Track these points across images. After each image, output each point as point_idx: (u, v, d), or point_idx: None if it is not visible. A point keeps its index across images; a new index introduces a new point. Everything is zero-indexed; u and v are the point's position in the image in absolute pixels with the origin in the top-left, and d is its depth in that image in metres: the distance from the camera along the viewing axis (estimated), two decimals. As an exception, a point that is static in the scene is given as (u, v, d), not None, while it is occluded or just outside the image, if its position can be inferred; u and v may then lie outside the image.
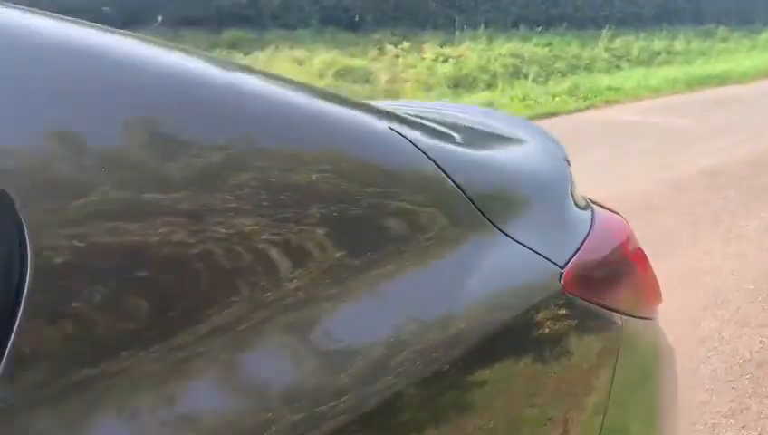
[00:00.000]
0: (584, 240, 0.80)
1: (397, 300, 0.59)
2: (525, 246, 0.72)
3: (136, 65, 0.51)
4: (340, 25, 9.07)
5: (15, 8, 0.57)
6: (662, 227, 3.50)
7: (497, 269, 0.68)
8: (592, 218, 0.87)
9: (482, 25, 10.02)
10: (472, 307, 0.64)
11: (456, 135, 0.82)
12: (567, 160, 0.97)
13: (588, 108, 7.87)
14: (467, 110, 1.18)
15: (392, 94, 8.00)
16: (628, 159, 5.05)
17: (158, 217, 0.47)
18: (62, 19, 0.59)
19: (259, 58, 7.74)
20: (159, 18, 7.64)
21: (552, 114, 7.45)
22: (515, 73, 9.16)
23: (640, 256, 0.92)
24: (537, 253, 0.73)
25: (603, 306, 0.79)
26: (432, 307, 0.62)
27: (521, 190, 0.80)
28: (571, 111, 7.65)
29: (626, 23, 12.24)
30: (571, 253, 0.77)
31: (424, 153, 0.66)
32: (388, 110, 0.90)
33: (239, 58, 7.57)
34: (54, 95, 0.46)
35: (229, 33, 7.93)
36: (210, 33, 7.80)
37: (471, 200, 0.68)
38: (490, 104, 7.66)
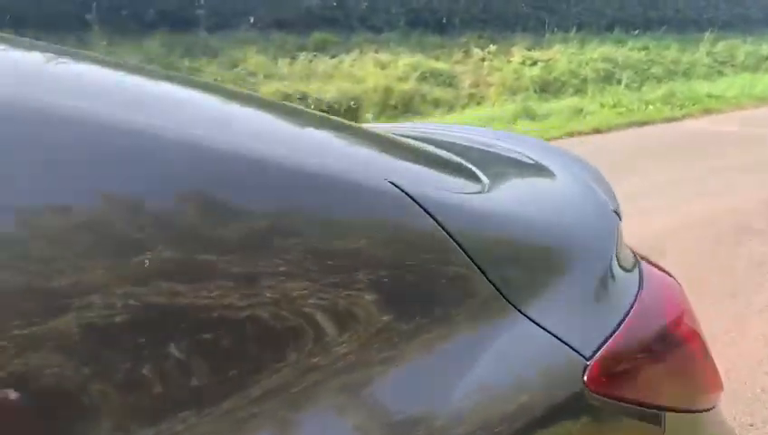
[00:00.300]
0: (624, 318, 0.67)
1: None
2: (543, 328, 0.61)
3: (188, 141, 0.52)
4: (428, 28, 9.00)
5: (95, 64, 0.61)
6: (760, 256, 3.23)
7: (509, 356, 0.58)
8: (639, 286, 0.73)
9: (574, 28, 9.69)
10: (477, 404, 0.56)
11: (483, 178, 0.73)
12: (617, 212, 0.82)
13: (684, 117, 7.44)
14: (502, 137, 1.04)
15: (475, 99, 7.87)
16: (724, 174, 4.71)
17: (210, 281, 0.47)
18: (140, 74, 0.62)
19: (344, 61, 7.80)
20: (251, 20, 7.85)
21: (645, 123, 7.10)
22: (607, 78, 8.81)
23: (696, 336, 0.76)
24: (557, 338, 0.61)
25: (641, 404, 0.65)
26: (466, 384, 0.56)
27: (550, 253, 0.68)
28: (665, 120, 7.26)
29: (731, 26, 11.52)
30: (605, 336, 0.64)
31: (442, 227, 0.58)
32: (418, 147, 0.82)
33: (325, 61, 7.66)
34: (118, 167, 0.48)
35: (316, 36, 8.02)
36: (298, 36, 7.92)
37: (481, 270, 0.59)
38: (579, 111, 7.39)
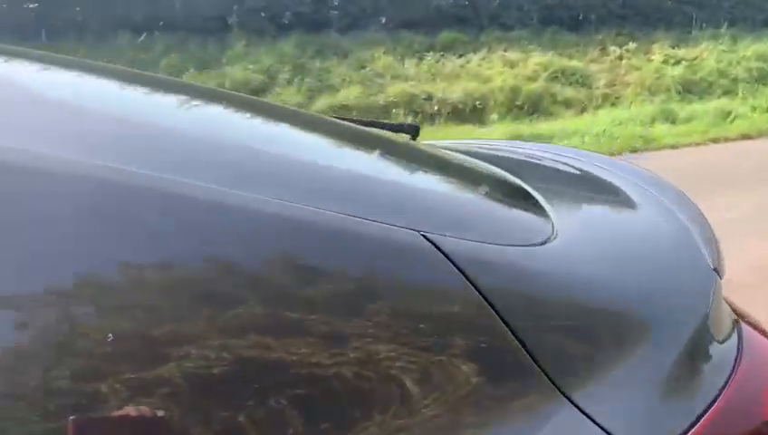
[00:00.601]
0: (706, 410, 0.53)
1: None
2: (594, 421, 0.50)
3: (282, 211, 0.53)
4: (562, 25, 8.66)
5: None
6: None
7: None
8: (735, 363, 0.58)
9: (725, 24, 8.92)
10: None
11: (552, 220, 0.64)
12: (717, 269, 0.67)
13: None
14: (594, 160, 0.92)
15: (610, 99, 7.47)
16: None
17: (298, 338, 0.48)
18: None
19: (472, 60, 7.69)
20: (383, 20, 7.95)
21: (804, 129, 6.39)
22: (762, 79, 8.02)
23: None
24: None
25: None
26: None
27: (617, 323, 0.57)
28: (830, 126, 6.49)
29: None
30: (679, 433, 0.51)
31: (478, 290, 0.51)
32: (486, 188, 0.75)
33: (452, 60, 7.59)
34: (216, 232, 0.51)
35: (445, 35, 7.97)
36: (426, 36, 7.92)
37: (523, 343, 0.51)
38: (726, 114, 6.80)
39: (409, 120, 6.51)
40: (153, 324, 0.45)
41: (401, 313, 0.51)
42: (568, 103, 7.38)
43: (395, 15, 7.99)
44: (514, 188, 0.75)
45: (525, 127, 6.53)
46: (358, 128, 0.85)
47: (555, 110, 7.22)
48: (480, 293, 0.51)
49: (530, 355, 0.51)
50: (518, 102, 7.10)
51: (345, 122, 0.88)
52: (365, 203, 0.58)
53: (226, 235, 0.50)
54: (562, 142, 5.88)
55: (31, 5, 6.93)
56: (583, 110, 7.28)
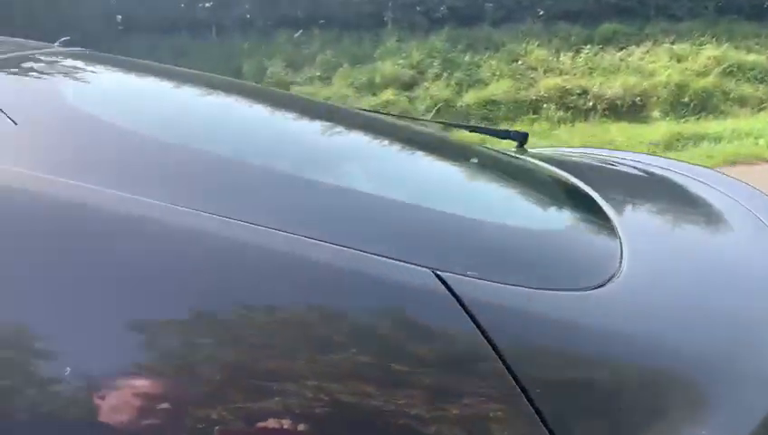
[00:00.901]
0: None
1: None
2: None
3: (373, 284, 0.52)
4: (740, 14, 7.86)
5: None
6: None
7: None
8: None
9: None
10: None
11: (623, 252, 0.55)
12: None
13: None
14: (679, 169, 0.79)
15: (795, 97, 6.67)
16: None
17: (399, 389, 0.46)
18: None
19: (634, 54, 7.22)
20: (540, 12, 7.70)
21: None
22: None
23: None
24: None
25: None
26: None
27: (680, 397, 0.47)
28: None
29: None
30: None
31: (491, 344, 0.46)
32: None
33: (611, 54, 7.18)
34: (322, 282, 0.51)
35: (605, 27, 7.55)
36: (583, 28, 7.55)
37: (539, 413, 0.45)
38: None
39: (559, 115, 6.26)
40: (265, 362, 0.46)
41: (398, 359, 0.47)
42: (743, 101, 6.71)
43: (553, 6, 7.70)
44: (589, 208, 0.67)
45: (690, 126, 6.02)
46: (432, 137, 0.81)
47: (727, 108, 6.59)
48: (495, 350, 0.45)
49: (547, 428, 0.45)
50: (684, 99, 6.57)
51: (421, 128, 0.85)
52: (379, 232, 0.55)
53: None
54: (731, 144, 5.36)
55: (207, 5, 7.51)
56: (761, 109, 6.58)
